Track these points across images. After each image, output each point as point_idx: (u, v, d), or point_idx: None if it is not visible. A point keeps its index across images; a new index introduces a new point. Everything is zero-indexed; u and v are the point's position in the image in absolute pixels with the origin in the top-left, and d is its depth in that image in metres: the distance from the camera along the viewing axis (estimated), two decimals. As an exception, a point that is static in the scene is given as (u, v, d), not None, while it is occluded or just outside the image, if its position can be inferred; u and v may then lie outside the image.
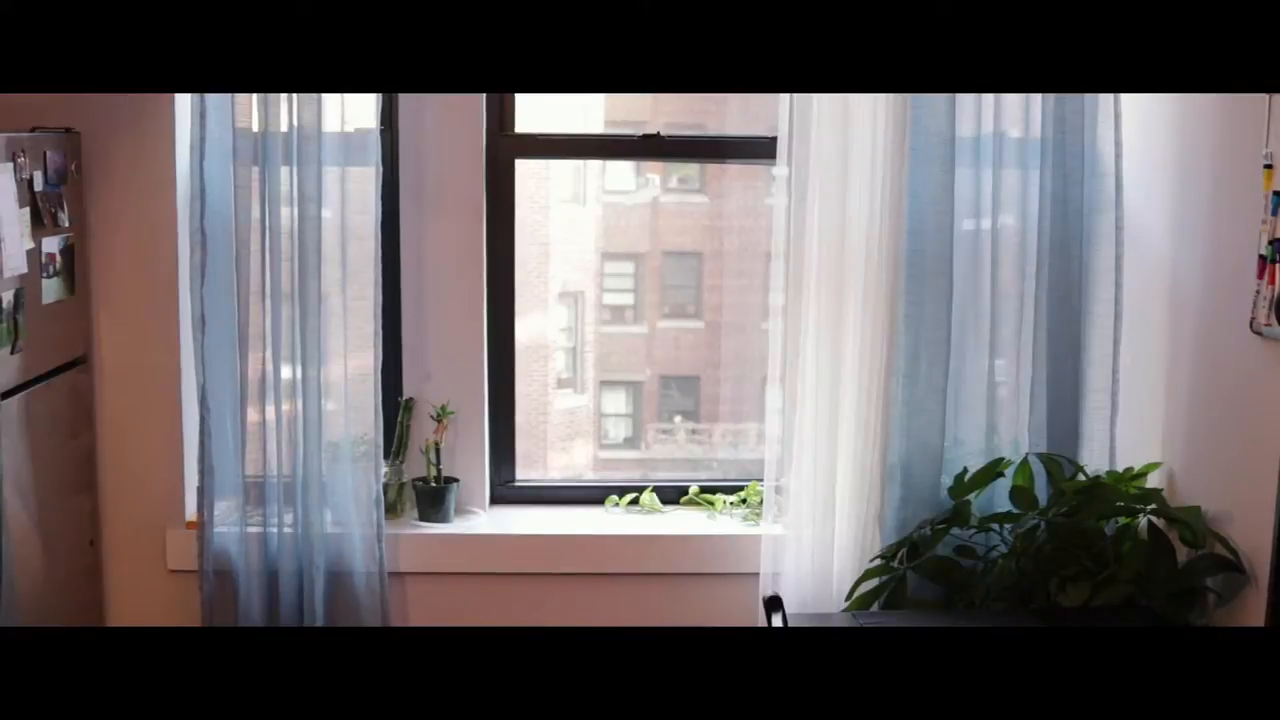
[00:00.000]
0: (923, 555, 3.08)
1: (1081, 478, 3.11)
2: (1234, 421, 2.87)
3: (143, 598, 3.35)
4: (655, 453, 4.03)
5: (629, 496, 3.55)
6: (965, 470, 3.15)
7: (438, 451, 3.38)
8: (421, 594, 3.36)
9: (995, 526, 3.09)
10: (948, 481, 3.19)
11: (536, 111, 3.49)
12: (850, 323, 3.21)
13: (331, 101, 3.15)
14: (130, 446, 3.31)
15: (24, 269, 2.86)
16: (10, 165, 2.80)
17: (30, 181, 2.90)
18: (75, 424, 3.21)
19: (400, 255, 3.36)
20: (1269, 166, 2.69)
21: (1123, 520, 3.04)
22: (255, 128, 3.13)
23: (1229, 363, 2.88)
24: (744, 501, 3.52)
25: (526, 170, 3.55)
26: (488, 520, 3.47)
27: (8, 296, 2.79)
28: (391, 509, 3.37)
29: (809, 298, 3.22)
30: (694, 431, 4.08)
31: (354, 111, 3.20)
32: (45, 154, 2.98)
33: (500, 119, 3.44)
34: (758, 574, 3.28)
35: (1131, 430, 3.24)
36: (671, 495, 3.58)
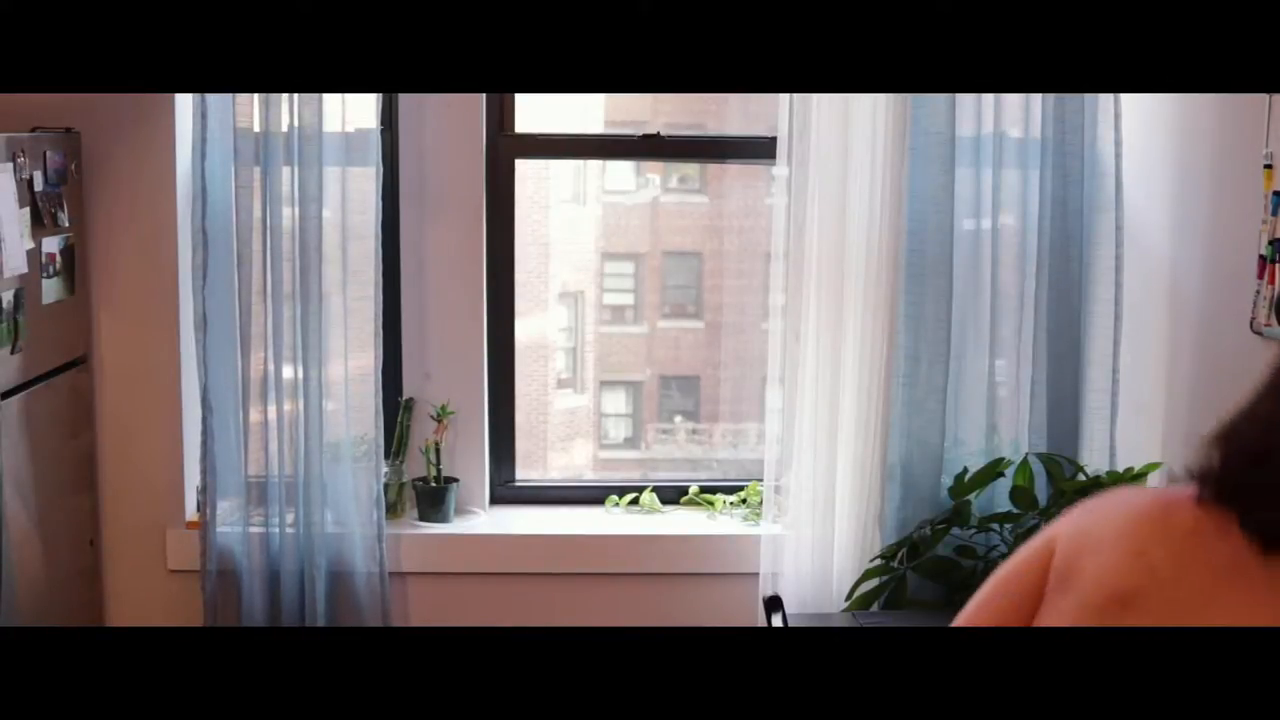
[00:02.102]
0: (923, 555, 3.08)
1: (1081, 478, 3.11)
2: (1234, 421, 2.87)
3: (143, 598, 3.35)
4: (655, 453, 4.03)
5: (629, 496, 3.55)
6: (965, 470, 3.15)
7: (438, 451, 3.38)
8: (422, 594, 3.36)
9: (995, 526, 3.09)
10: (948, 481, 3.19)
11: (536, 111, 3.49)
12: (850, 322, 3.21)
13: (332, 101, 3.14)
14: (130, 446, 3.31)
15: (24, 269, 2.86)
16: (10, 165, 2.80)
17: (30, 181, 2.90)
18: (75, 424, 3.21)
19: (400, 255, 3.36)
20: (1269, 166, 2.69)
21: (1123, 520, 3.04)
22: (256, 128, 3.13)
23: (1229, 363, 2.88)
24: (744, 501, 3.52)
25: (526, 170, 3.55)
26: (488, 520, 3.47)
27: (8, 296, 2.79)
28: (391, 509, 3.37)
29: (809, 298, 3.22)
30: (694, 431, 4.08)
31: (354, 111, 3.20)
32: (45, 154, 2.98)
33: (500, 119, 3.44)
34: (757, 574, 3.28)
35: (1131, 430, 3.24)
36: (671, 495, 3.58)
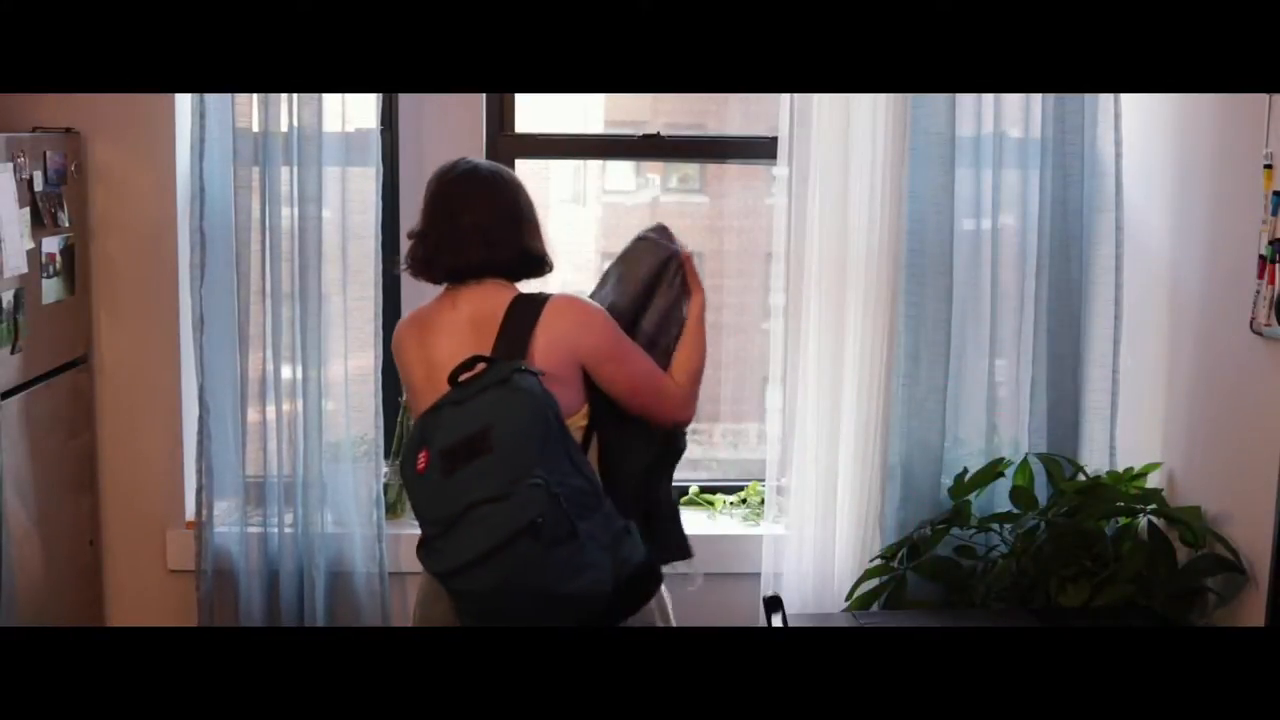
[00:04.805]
0: (923, 555, 3.08)
1: (1081, 478, 3.11)
2: (1234, 421, 2.87)
3: (142, 598, 3.35)
4: (655, 452, 4.02)
5: (629, 496, 3.54)
6: (965, 470, 3.15)
7: (438, 451, 3.37)
8: (421, 594, 3.35)
9: (995, 526, 3.09)
10: (948, 481, 3.19)
11: (536, 111, 3.49)
12: (850, 322, 3.21)
13: (331, 101, 3.15)
14: (130, 446, 3.31)
15: (24, 269, 2.86)
16: (10, 165, 2.80)
17: (30, 181, 2.90)
18: (75, 424, 3.21)
19: (400, 255, 3.35)
20: (1269, 166, 2.69)
21: (1123, 520, 3.04)
22: (255, 128, 3.13)
23: (1229, 363, 2.88)
24: (744, 501, 3.51)
25: (526, 170, 3.55)
26: (488, 520, 3.46)
27: (8, 296, 2.79)
28: (391, 509, 3.36)
29: (809, 298, 3.22)
30: (694, 431, 4.06)
31: (354, 111, 3.20)
32: (45, 154, 2.98)
33: (500, 119, 3.44)
34: (758, 574, 3.28)
35: (1131, 430, 3.24)
36: (671, 495, 3.57)
